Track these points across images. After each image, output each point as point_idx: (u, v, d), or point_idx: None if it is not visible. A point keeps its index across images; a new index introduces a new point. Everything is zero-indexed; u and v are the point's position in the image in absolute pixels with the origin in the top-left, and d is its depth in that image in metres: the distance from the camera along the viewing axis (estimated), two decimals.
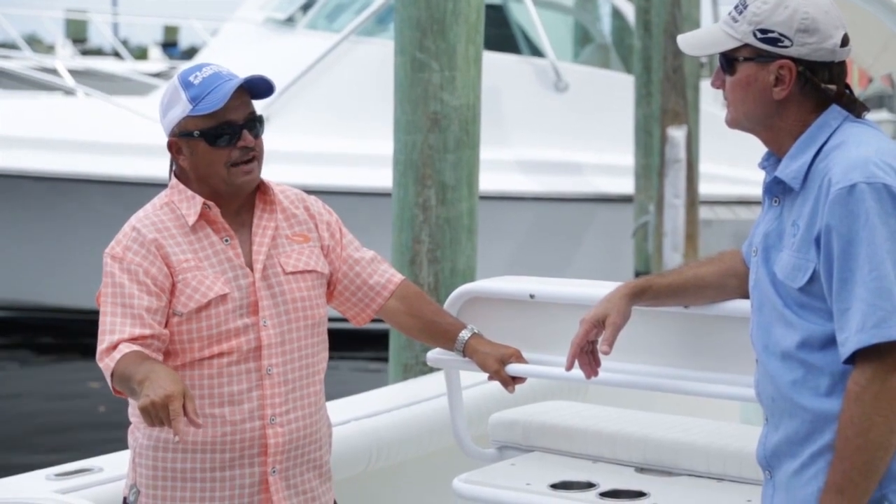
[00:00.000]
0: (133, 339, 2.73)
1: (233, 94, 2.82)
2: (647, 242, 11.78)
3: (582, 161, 12.19)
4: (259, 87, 2.88)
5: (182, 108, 2.84)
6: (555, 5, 13.57)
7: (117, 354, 2.70)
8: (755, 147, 2.52)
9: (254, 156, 2.87)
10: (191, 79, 2.85)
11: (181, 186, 2.90)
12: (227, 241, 2.88)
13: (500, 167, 11.21)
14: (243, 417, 2.84)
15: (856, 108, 2.41)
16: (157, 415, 2.50)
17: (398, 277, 3.11)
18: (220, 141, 2.83)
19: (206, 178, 2.87)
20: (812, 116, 2.40)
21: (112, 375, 2.71)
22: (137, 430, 2.90)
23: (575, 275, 11.13)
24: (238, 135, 2.85)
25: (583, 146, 12.24)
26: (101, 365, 2.75)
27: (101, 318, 2.80)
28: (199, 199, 2.87)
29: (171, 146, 2.90)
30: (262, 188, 2.95)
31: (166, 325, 2.81)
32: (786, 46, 2.37)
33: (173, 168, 2.94)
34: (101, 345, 2.76)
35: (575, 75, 12.53)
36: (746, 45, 2.40)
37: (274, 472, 2.87)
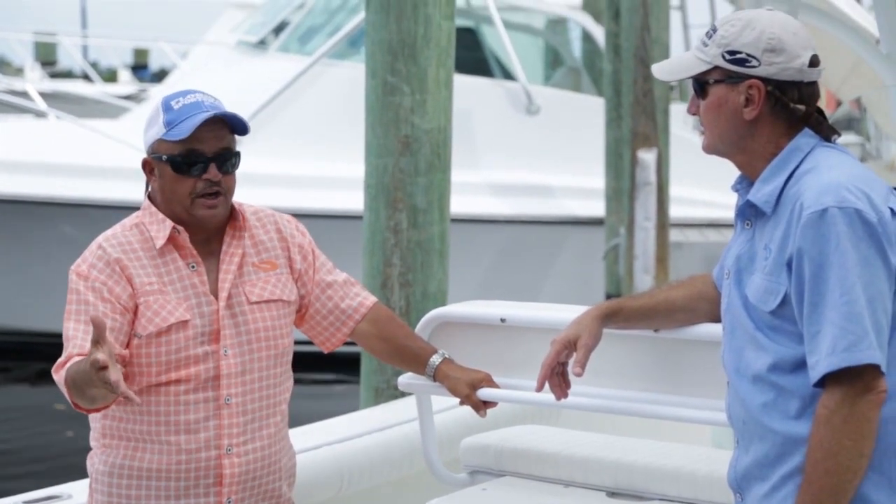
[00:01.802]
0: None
1: (208, 126, 2.80)
2: (618, 265, 11.83)
3: (553, 184, 12.23)
4: (239, 124, 2.87)
5: (157, 130, 2.84)
6: (525, 28, 13.63)
7: (69, 365, 2.68)
8: (725, 170, 2.54)
9: (218, 191, 2.84)
10: (172, 103, 2.84)
11: (153, 209, 2.89)
12: (193, 267, 2.86)
13: (472, 190, 11.23)
14: (199, 446, 2.82)
15: (824, 129, 2.43)
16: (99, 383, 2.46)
17: (370, 300, 3.10)
18: (183, 169, 2.82)
19: (170, 204, 2.86)
20: (784, 140, 2.42)
21: (66, 386, 2.67)
22: (96, 456, 2.88)
23: (546, 297, 11.16)
24: (205, 167, 2.83)
25: (554, 169, 12.28)
26: (55, 378, 2.72)
27: (64, 334, 2.78)
28: (169, 224, 2.85)
29: (144, 165, 2.90)
30: (233, 214, 2.93)
31: (127, 346, 2.79)
32: (754, 66, 2.39)
33: (148, 189, 2.93)
34: (60, 359, 2.74)
35: (546, 98, 12.58)
36: (716, 68, 2.43)
37: (229, 502, 2.85)
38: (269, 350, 2.90)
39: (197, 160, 2.82)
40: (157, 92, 13.67)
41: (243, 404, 2.85)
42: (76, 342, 2.74)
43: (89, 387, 2.56)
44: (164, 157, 2.83)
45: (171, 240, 2.86)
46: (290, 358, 2.97)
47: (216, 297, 2.86)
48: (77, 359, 2.68)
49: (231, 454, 2.83)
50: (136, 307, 2.79)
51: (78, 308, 2.79)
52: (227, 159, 2.86)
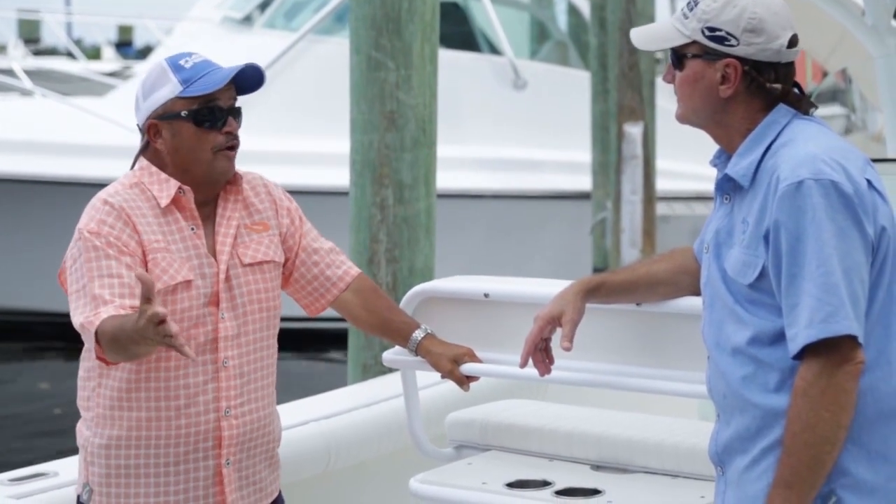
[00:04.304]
0: (123, 309, 2.67)
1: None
2: (605, 239, 11.86)
3: (540, 158, 12.23)
4: (246, 83, 2.89)
5: (170, 89, 2.84)
6: (511, 2, 13.59)
7: (102, 320, 2.64)
8: (711, 143, 2.55)
9: (235, 144, 2.89)
10: (181, 63, 2.86)
11: (153, 168, 2.88)
12: (193, 229, 2.87)
13: (458, 165, 11.23)
14: (198, 410, 2.83)
15: (802, 105, 2.43)
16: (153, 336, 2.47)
17: (355, 270, 3.12)
18: (207, 123, 2.84)
19: (187, 162, 2.86)
20: (760, 115, 2.42)
21: (98, 341, 2.65)
22: (89, 429, 2.88)
23: (534, 272, 11.18)
24: (224, 120, 2.86)
25: (540, 143, 12.28)
26: (84, 329, 2.67)
27: (88, 293, 2.72)
28: (174, 183, 2.85)
29: (149, 128, 2.88)
30: (231, 179, 2.94)
31: None
32: (732, 45, 2.40)
33: (142, 152, 2.91)
34: (85, 308, 2.69)
35: (533, 73, 12.57)
36: (695, 42, 2.43)
37: (228, 463, 2.87)
38: (262, 312, 2.92)
39: (216, 115, 2.85)
40: (143, 69, 13.62)
41: (240, 367, 2.87)
42: (104, 298, 2.70)
43: (136, 344, 2.56)
44: (185, 113, 2.84)
45: (174, 200, 2.86)
46: (278, 321, 2.99)
47: (215, 259, 2.87)
48: (105, 314, 2.66)
49: (229, 416, 2.85)
50: (146, 264, 2.79)
51: (99, 265, 2.75)
52: (239, 114, 2.91)
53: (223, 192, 2.93)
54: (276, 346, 2.99)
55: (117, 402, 2.83)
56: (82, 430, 2.90)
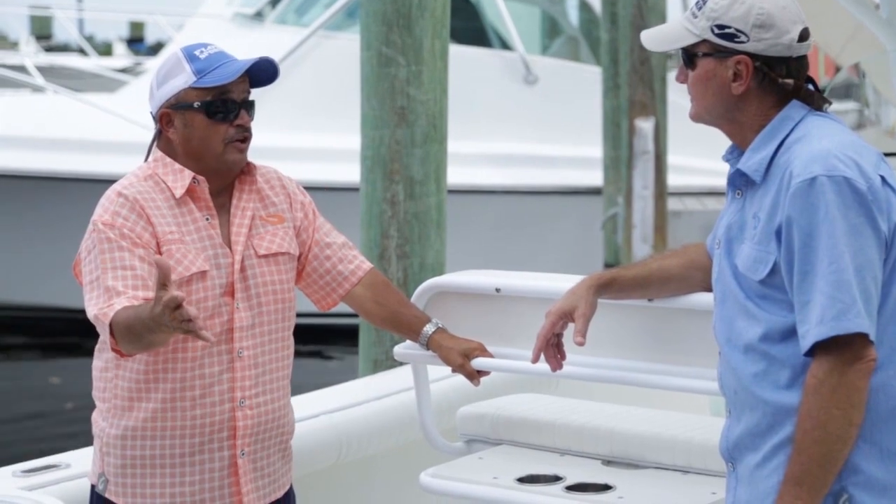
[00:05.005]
0: (136, 300, 2.68)
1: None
2: (617, 234, 11.83)
3: (551, 154, 12.22)
4: (261, 76, 2.90)
5: (184, 79, 2.85)
6: None
7: (116, 311, 2.66)
8: (723, 138, 2.54)
9: (247, 136, 2.90)
10: (196, 53, 2.87)
11: (167, 160, 2.89)
12: (208, 219, 2.88)
13: (469, 161, 11.22)
14: (213, 400, 2.85)
15: (815, 101, 2.43)
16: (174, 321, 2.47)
17: (367, 265, 3.12)
18: (219, 115, 2.85)
19: (198, 153, 2.87)
20: (773, 111, 2.42)
21: (112, 332, 2.66)
22: (103, 419, 2.89)
23: (545, 267, 11.14)
24: (237, 113, 2.87)
25: (552, 139, 12.27)
26: (98, 321, 2.68)
27: (101, 284, 2.73)
28: (189, 173, 2.86)
29: (162, 117, 2.89)
30: (244, 169, 2.96)
31: None
32: (742, 42, 2.40)
33: (155, 143, 2.93)
34: (99, 300, 2.70)
35: (544, 68, 12.55)
36: (705, 41, 2.43)
37: (243, 454, 2.88)
38: (277, 304, 2.93)
39: (228, 107, 2.86)
40: (154, 65, 13.64)
41: (254, 357, 2.88)
42: (117, 290, 2.71)
43: (152, 332, 2.57)
44: (197, 104, 2.85)
45: (189, 191, 2.87)
46: (294, 314, 3.00)
47: (230, 249, 2.87)
48: (119, 306, 2.67)
49: (244, 406, 2.87)
50: (161, 256, 2.80)
51: (112, 257, 2.76)
52: (252, 107, 2.91)
53: (237, 183, 2.94)
54: (291, 340, 3.00)
55: (135, 393, 2.84)
56: (98, 421, 2.91)
